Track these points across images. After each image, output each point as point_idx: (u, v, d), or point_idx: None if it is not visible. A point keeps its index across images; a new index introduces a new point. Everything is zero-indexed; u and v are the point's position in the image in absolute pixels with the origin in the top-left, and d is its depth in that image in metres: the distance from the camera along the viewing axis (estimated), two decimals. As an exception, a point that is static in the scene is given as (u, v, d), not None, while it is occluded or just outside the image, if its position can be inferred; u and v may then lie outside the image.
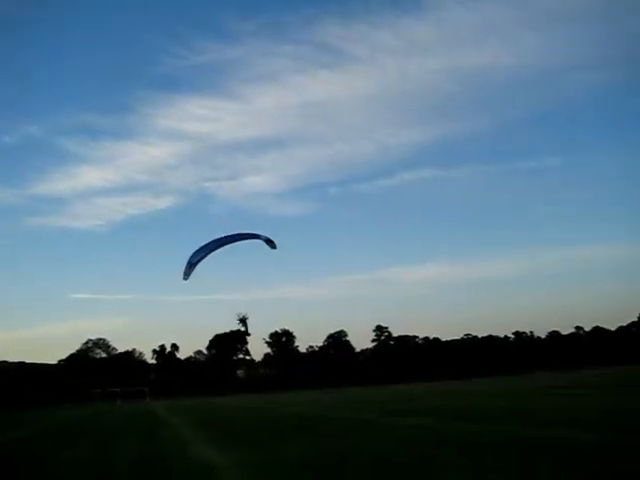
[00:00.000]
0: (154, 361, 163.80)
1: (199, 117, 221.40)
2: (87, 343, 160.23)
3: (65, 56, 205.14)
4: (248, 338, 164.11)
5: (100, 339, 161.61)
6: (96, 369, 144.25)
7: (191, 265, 31.80)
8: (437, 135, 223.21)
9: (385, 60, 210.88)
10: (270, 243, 33.12)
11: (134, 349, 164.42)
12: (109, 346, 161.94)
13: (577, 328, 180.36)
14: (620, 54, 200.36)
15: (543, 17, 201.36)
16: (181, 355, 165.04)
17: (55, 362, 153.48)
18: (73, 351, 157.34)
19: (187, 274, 32.42)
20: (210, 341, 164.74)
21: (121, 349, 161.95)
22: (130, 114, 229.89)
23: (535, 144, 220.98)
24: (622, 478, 9.04)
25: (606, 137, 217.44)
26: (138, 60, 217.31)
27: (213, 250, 32.11)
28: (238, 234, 33.23)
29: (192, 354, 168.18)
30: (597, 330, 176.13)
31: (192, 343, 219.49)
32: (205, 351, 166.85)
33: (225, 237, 33.94)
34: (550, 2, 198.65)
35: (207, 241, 33.40)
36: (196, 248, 32.79)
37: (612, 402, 25.63)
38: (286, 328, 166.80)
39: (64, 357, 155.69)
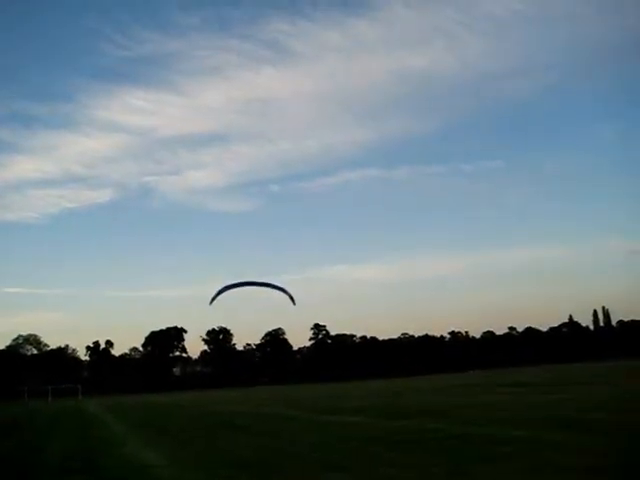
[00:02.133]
0: (88, 358, 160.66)
1: (140, 110, 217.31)
2: (17, 339, 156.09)
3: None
4: (184, 335, 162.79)
5: (31, 335, 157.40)
6: (26, 366, 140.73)
7: (219, 293, 38.19)
8: (380, 135, 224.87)
9: (331, 59, 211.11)
10: (292, 299, 38.58)
11: (67, 345, 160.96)
12: (40, 342, 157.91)
13: (510, 329, 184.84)
14: (560, 59, 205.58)
15: (487, 21, 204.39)
16: (116, 352, 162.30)
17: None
18: (2, 347, 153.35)
19: (213, 299, 38.35)
20: (146, 338, 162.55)
21: (53, 345, 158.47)
22: (67, 103, 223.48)
23: (476, 146, 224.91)
24: (545, 470, 9.29)
25: (545, 141, 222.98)
26: (77, 48, 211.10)
27: (237, 287, 39.60)
28: (267, 283, 39.64)
29: (127, 351, 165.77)
30: (529, 331, 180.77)
31: (127, 340, 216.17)
32: (141, 348, 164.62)
33: (255, 282, 40.29)
34: (494, 7, 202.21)
35: (237, 280, 39.98)
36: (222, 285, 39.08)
37: (541, 399, 26.32)
38: (223, 325, 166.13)
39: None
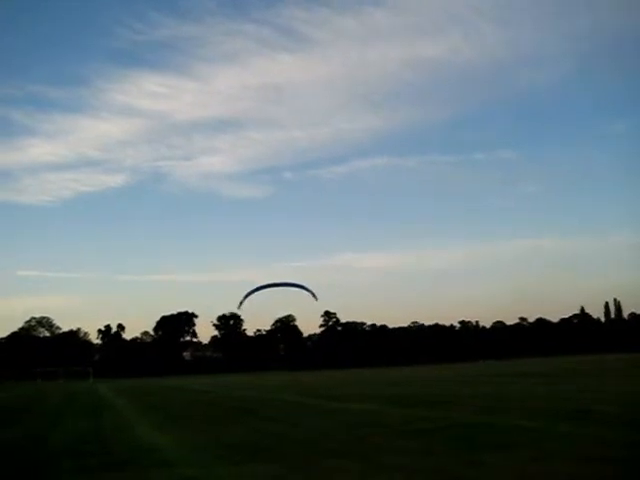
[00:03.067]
0: (99, 341, 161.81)
1: (155, 94, 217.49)
2: (30, 321, 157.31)
3: (13, 22, 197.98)
4: (195, 320, 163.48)
5: (44, 317, 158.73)
6: (39, 348, 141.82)
7: (246, 297, 42.17)
8: (393, 123, 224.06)
9: (346, 46, 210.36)
10: (314, 296, 41.82)
11: (79, 329, 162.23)
12: (53, 325, 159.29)
13: (521, 319, 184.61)
14: (577, 50, 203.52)
15: (503, 10, 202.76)
16: (127, 336, 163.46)
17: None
18: (15, 329, 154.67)
19: (241, 303, 42.74)
20: (157, 322, 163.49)
21: (65, 328, 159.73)
22: (83, 87, 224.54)
23: (489, 136, 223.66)
24: (555, 459, 9.29)
25: (559, 132, 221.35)
26: (93, 31, 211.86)
27: (262, 289, 44.55)
28: (291, 283, 43.93)
29: (138, 335, 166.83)
30: (540, 321, 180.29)
31: (138, 324, 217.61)
32: (152, 332, 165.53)
33: (278, 283, 43.90)
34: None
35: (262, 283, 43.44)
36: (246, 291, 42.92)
37: (551, 390, 26.28)
38: (234, 311, 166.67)
39: (5, 335, 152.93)
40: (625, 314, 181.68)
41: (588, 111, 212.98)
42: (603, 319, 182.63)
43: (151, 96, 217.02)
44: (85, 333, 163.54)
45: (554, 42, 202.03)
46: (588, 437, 11.75)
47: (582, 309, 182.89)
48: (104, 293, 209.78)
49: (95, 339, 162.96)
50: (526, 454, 10.09)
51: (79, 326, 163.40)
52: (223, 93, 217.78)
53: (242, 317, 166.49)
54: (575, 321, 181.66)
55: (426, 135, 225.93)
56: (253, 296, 50.75)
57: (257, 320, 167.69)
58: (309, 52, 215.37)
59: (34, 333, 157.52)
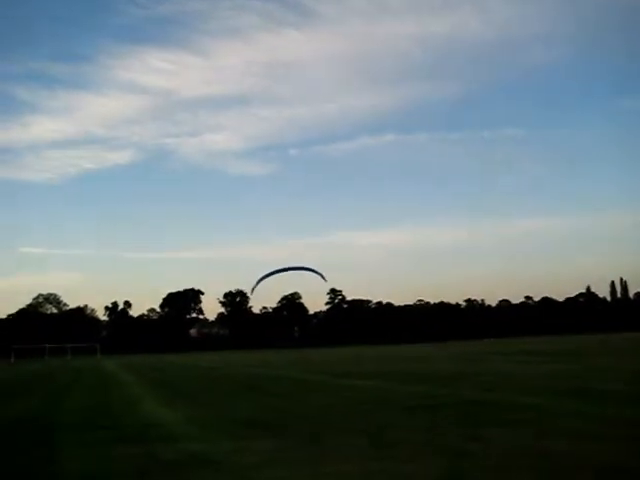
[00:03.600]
0: (106, 318, 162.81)
1: (160, 71, 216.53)
2: (37, 298, 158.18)
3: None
4: (201, 297, 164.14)
5: (51, 294, 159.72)
6: (46, 324, 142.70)
7: (258, 282, 44.28)
8: (400, 100, 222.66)
9: (354, 22, 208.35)
10: (322, 277, 44.22)
11: (86, 305, 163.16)
12: (60, 302, 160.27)
13: (527, 298, 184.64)
14: (587, 28, 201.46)
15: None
16: (134, 313, 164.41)
17: (4, 316, 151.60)
18: (23, 306, 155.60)
19: (253, 289, 40.58)
20: (163, 299, 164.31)
21: (72, 305, 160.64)
22: (87, 64, 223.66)
23: (496, 114, 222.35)
24: (557, 436, 9.37)
25: (567, 110, 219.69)
26: (98, 7, 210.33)
27: (274, 273, 45.93)
28: (300, 266, 46.81)
29: (145, 312, 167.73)
30: (546, 300, 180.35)
31: (145, 301, 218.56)
32: (158, 309, 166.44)
33: (288, 267, 46.50)
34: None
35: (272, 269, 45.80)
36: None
37: (556, 368, 26.38)
38: (240, 288, 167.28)
39: (13, 312, 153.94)
40: (631, 293, 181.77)
41: (596, 89, 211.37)
42: (609, 298, 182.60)
43: (156, 72, 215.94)
44: (92, 310, 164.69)
45: (563, 20, 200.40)
46: (591, 415, 11.83)
47: (588, 288, 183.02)
48: (110, 270, 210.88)
49: (102, 316, 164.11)
50: (529, 431, 10.18)
51: (86, 303, 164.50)
52: (229, 69, 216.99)
53: (248, 294, 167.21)
54: (581, 300, 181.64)
55: (433, 112, 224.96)
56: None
57: (263, 297, 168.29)
58: (316, 28, 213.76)
59: (41, 310, 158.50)
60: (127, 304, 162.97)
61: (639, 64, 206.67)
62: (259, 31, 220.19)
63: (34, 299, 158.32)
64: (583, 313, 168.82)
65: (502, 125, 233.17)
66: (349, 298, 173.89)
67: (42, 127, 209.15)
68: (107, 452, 9.87)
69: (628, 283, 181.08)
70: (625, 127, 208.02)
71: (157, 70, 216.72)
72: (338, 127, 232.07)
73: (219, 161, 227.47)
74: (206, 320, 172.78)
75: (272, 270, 43.42)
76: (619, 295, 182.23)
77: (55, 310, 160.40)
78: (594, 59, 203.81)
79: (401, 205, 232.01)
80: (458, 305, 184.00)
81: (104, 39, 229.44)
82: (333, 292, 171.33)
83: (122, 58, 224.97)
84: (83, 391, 24.95)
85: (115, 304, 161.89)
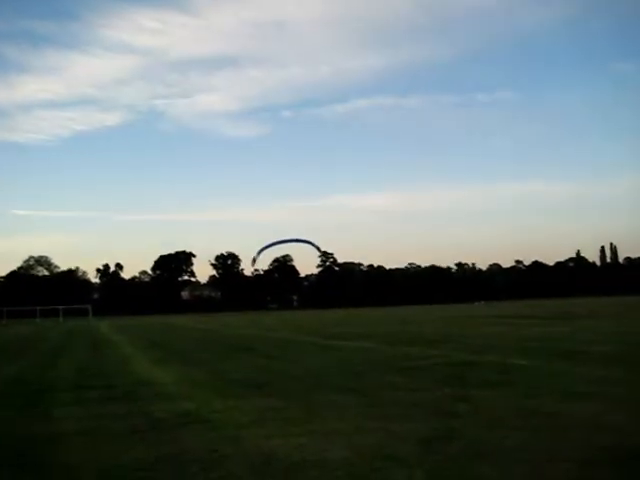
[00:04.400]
0: (97, 280, 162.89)
1: (151, 30, 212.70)
2: (28, 260, 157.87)
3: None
4: (193, 259, 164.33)
5: (42, 257, 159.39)
6: (38, 286, 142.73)
7: (259, 253, 45.66)
8: (394, 62, 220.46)
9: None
10: (318, 249, 45.92)
11: (77, 268, 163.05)
12: (51, 264, 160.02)
13: (517, 262, 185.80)
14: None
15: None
16: (125, 275, 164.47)
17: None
18: (14, 268, 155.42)
19: (254, 260, 45.68)
20: (155, 262, 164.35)
21: (64, 267, 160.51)
22: (76, 22, 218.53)
23: (491, 76, 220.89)
24: (543, 395, 9.50)
25: (562, 74, 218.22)
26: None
27: (274, 245, 46.92)
28: (297, 239, 46.90)
29: (137, 274, 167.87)
30: (536, 264, 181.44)
31: (137, 263, 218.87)
32: (150, 271, 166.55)
33: (286, 239, 47.66)
34: None
35: (270, 241, 46.74)
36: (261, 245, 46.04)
37: (545, 331, 26.63)
38: (232, 251, 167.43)
39: (4, 274, 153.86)
40: (621, 258, 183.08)
41: (591, 52, 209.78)
42: (599, 263, 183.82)
43: (146, 32, 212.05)
44: (83, 272, 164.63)
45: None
46: (579, 375, 11.98)
47: (578, 252, 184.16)
48: (102, 232, 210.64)
49: (93, 278, 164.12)
50: (516, 391, 10.31)
51: (77, 265, 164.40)
52: (221, 29, 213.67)
53: (240, 256, 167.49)
54: (571, 265, 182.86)
55: (428, 74, 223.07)
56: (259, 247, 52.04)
57: (258, 261, 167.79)
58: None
59: (33, 272, 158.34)
60: (119, 266, 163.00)
61: (635, 27, 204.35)
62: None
63: (25, 261, 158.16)
64: (573, 277, 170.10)
65: (496, 88, 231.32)
66: (341, 261, 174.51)
67: (31, 87, 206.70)
68: (99, 411, 9.95)
69: (618, 248, 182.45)
70: (621, 92, 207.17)
71: (147, 30, 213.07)
72: (332, 89, 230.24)
73: (210, 122, 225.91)
74: (198, 283, 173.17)
75: (272, 242, 44.84)
76: (609, 260, 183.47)
77: (46, 272, 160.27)
78: (591, 22, 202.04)
79: (395, 168, 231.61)
80: (449, 268, 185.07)
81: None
82: (325, 255, 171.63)
83: (112, 17, 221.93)
84: (75, 352, 25.07)
85: (107, 266, 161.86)
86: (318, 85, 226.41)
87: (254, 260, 42.20)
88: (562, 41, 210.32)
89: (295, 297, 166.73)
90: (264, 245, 43.22)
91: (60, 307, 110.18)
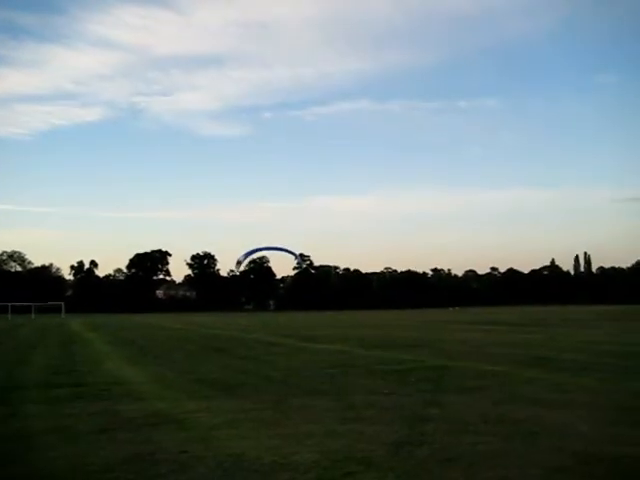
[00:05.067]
0: (71, 277, 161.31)
1: (134, 26, 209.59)
2: (1, 255, 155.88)
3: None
4: (169, 258, 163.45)
5: (15, 252, 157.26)
6: (10, 282, 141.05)
7: (241, 262, 46.71)
8: (377, 67, 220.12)
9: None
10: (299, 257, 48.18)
11: (51, 264, 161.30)
12: (24, 259, 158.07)
13: (492, 269, 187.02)
14: (566, 1, 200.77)
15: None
16: (100, 273, 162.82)
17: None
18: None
19: (239, 263, 46.18)
20: (130, 260, 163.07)
21: (37, 263, 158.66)
22: (58, 16, 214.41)
23: (473, 83, 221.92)
24: (515, 402, 9.57)
25: (543, 83, 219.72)
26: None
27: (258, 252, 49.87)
28: (280, 247, 47.81)
29: (111, 272, 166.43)
30: (511, 272, 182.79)
31: (112, 261, 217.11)
32: (125, 270, 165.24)
33: (274, 247, 48.95)
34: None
35: (254, 247, 47.55)
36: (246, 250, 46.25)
37: (518, 338, 26.83)
38: (208, 251, 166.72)
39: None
40: (594, 268, 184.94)
41: (573, 63, 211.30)
42: (572, 272, 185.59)
43: (129, 28, 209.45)
44: (57, 269, 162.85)
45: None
46: (550, 382, 12.08)
47: (553, 261, 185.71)
48: (77, 229, 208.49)
49: (67, 275, 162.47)
50: (488, 397, 10.38)
51: (51, 261, 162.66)
52: (205, 28, 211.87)
53: (216, 257, 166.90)
54: (545, 273, 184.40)
55: (410, 80, 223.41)
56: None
57: (231, 260, 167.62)
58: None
59: (5, 267, 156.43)
60: (93, 264, 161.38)
61: (618, 40, 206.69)
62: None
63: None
64: (547, 285, 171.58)
65: (478, 95, 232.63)
66: (317, 264, 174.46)
67: (10, 80, 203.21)
68: (69, 410, 9.85)
69: (592, 258, 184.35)
70: (601, 101, 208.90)
71: (130, 26, 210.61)
72: (314, 91, 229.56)
73: (191, 121, 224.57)
74: (173, 282, 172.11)
75: (259, 247, 46.50)
76: (582, 269, 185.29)
77: (19, 268, 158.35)
78: (573, 32, 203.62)
79: (374, 172, 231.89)
80: (425, 274, 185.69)
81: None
82: (301, 257, 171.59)
83: (94, 11, 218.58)
84: (47, 349, 24.79)
85: (81, 263, 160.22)
86: (300, 87, 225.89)
87: (239, 263, 42.17)
88: (545, 50, 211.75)
89: (272, 302, 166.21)
90: (252, 249, 43.55)
91: (32, 304, 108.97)
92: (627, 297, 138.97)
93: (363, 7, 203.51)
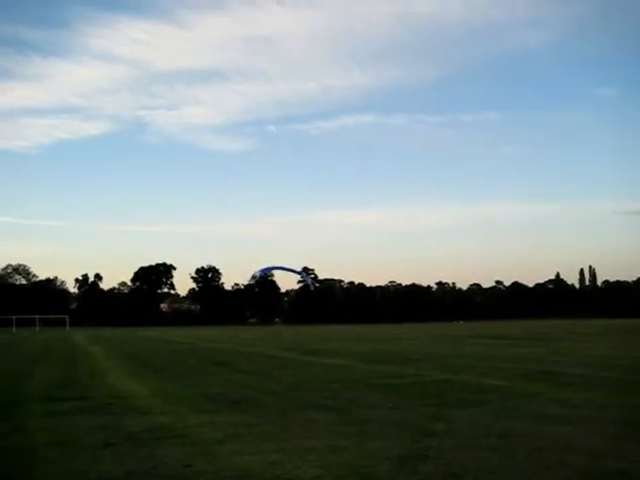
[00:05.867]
0: (76, 290, 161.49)
1: (139, 41, 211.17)
2: (6, 268, 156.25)
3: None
4: (173, 272, 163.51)
5: (20, 265, 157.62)
6: (15, 295, 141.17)
7: (256, 277, 50.74)
8: (380, 81, 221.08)
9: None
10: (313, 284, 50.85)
11: (56, 277, 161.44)
12: (29, 272, 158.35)
13: (497, 282, 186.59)
14: (569, 15, 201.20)
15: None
16: (104, 286, 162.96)
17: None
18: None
19: (254, 278, 51.67)
20: (135, 273, 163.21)
21: (42, 276, 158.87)
22: (64, 30, 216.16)
23: (476, 97, 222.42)
24: (518, 417, 9.54)
25: (545, 96, 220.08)
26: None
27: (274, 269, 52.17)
28: (297, 271, 53.21)
29: (116, 285, 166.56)
30: (516, 285, 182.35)
31: (116, 274, 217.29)
32: (129, 283, 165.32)
33: (289, 268, 51.31)
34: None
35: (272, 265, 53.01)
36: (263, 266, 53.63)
37: (522, 352, 26.73)
38: (212, 264, 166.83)
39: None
40: (599, 281, 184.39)
41: (576, 75, 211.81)
42: (578, 285, 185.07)
43: (133, 42, 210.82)
44: (62, 282, 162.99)
45: (546, 5, 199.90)
46: (554, 397, 12.03)
47: (557, 275, 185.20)
48: (82, 242, 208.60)
49: (72, 288, 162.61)
50: (491, 411, 10.35)
51: (56, 275, 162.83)
52: (209, 42, 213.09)
53: (220, 270, 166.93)
54: (550, 286, 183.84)
55: (414, 94, 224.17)
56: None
57: (236, 274, 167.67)
58: (299, 4, 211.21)
59: (10, 280, 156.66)
60: (98, 277, 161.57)
61: (619, 54, 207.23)
62: (241, 4, 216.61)
63: (3, 269, 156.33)
64: (552, 299, 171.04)
65: (481, 109, 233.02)
66: (321, 277, 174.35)
67: (15, 94, 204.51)
68: (72, 423, 9.85)
69: (597, 271, 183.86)
70: (603, 114, 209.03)
71: (135, 40, 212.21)
72: (318, 105, 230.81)
73: (196, 135, 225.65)
74: (177, 295, 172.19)
75: (277, 266, 48.98)
76: (587, 283, 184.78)
77: (24, 281, 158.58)
78: (574, 46, 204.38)
79: (378, 186, 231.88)
80: (429, 287, 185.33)
81: (82, 5, 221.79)
82: (305, 270, 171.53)
83: (99, 26, 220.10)
84: (51, 363, 24.79)
85: (85, 276, 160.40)
86: (304, 101, 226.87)
87: (254, 277, 43.75)
88: (547, 63, 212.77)
89: (278, 319, 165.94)
90: (269, 267, 45.71)
91: (37, 317, 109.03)
92: (632, 311, 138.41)
93: (366, 21, 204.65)
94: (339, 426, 9.23)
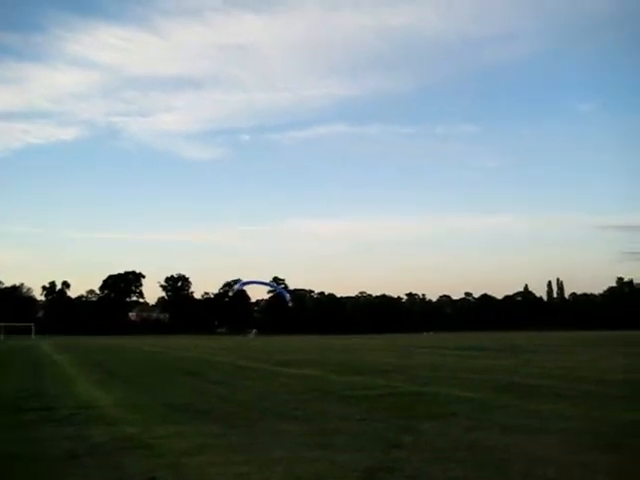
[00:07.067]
0: (43, 298, 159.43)
1: (113, 47, 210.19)
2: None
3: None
4: (143, 280, 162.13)
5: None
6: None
7: (241, 285, 52.53)
8: (355, 91, 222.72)
9: (313, 10, 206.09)
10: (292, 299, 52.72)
11: (22, 284, 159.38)
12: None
13: (466, 294, 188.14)
14: (545, 29, 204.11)
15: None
16: (72, 294, 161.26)
17: None
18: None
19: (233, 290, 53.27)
20: (103, 281, 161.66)
21: (7, 283, 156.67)
22: (37, 34, 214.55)
23: (450, 109, 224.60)
24: (489, 428, 9.56)
25: (520, 110, 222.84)
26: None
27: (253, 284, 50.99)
28: (276, 287, 61.67)
29: (84, 293, 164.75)
30: (485, 297, 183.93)
31: (84, 282, 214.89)
32: (98, 291, 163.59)
33: (267, 282, 60.97)
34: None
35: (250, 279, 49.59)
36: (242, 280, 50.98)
37: (491, 364, 26.90)
38: (182, 273, 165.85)
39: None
40: (567, 294, 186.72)
41: (551, 89, 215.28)
42: (545, 298, 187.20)
43: (108, 48, 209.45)
44: (28, 289, 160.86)
45: (522, 19, 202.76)
46: (523, 409, 12.09)
47: (526, 287, 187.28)
48: (50, 249, 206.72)
49: (39, 295, 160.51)
50: (460, 423, 10.36)
51: (22, 281, 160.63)
52: (184, 50, 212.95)
53: (190, 279, 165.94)
54: (519, 299, 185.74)
55: (388, 105, 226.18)
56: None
57: (205, 283, 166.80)
58: (275, 14, 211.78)
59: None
60: (65, 284, 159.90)
61: (598, 67, 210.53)
62: (217, 13, 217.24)
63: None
64: (520, 311, 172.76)
65: (457, 121, 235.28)
66: (292, 287, 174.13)
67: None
68: (37, 434, 9.67)
69: (564, 284, 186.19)
70: (577, 128, 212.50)
71: (110, 46, 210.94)
72: (292, 115, 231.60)
73: (168, 142, 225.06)
74: (146, 304, 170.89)
75: (255, 280, 51.10)
76: (555, 295, 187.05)
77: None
78: (551, 58, 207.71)
79: (350, 195, 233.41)
80: (399, 298, 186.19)
81: (57, 10, 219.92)
82: (276, 280, 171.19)
83: (74, 31, 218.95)
84: (15, 372, 24.38)
85: (53, 284, 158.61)
86: (278, 110, 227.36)
87: (233, 291, 44.49)
88: (524, 77, 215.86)
89: (255, 330, 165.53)
90: (248, 280, 47.42)
91: (1, 325, 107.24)
92: (599, 323, 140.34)
93: (343, 33, 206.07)
94: (308, 437, 9.18)
